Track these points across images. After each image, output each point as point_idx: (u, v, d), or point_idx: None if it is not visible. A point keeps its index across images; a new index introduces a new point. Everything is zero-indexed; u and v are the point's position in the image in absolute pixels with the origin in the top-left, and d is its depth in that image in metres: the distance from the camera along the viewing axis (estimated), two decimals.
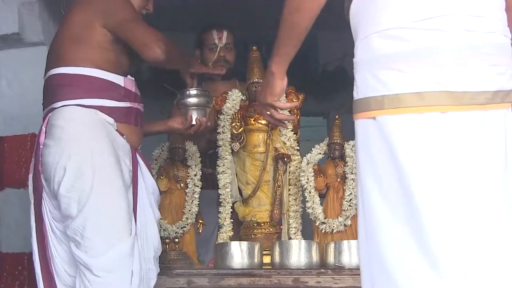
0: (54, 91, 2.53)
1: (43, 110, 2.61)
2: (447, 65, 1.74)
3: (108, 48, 2.54)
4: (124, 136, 2.53)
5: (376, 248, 1.78)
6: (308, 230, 3.16)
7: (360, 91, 1.83)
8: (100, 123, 2.48)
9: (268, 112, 2.23)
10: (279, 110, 2.27)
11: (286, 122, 2.62)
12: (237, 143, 3.13)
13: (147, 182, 2.62)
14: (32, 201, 2.51)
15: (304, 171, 3.09)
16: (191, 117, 2.81)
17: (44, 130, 2.49)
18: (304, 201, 3.12)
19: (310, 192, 3.09)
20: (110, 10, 2.54)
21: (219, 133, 3.14)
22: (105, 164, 2.42)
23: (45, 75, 2.62)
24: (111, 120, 2.51)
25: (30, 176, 2.54)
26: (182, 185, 3.18)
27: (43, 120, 2.54)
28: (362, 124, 1.83)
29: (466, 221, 1.72)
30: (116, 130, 2.52)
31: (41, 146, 2.48)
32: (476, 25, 1.77)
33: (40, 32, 3.45)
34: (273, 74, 2.05)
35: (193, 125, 2.82)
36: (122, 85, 2.57)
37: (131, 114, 2.60)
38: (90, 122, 2.46)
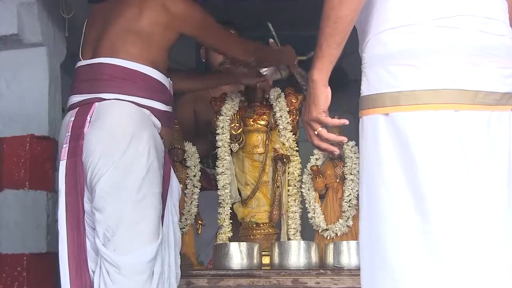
0: (104, 81, 2.44)
1: (74, 94, 2.51)
2: (462, 64, 1.75)
3: (166, 49, 2.53)
4: (163, 140, 2.53)
5: (379, 245, 1.77)
6: (308, 230, 3.15)
7: (372, 86, 1.81)
8: (151, 125, 2.46)
9: (316, 132, 1.91)
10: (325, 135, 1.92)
11: (336, 147, 2.01)
12: (236, 144, 3.13)
13: (173, 185, 2.62)
14: (64, 190, 2.39)
15: (305, 183, 3.09)
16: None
17: (88, 120, 2.40)
18: (303, 202, 3.12)
19: (310, 202, 3.08)
20: (196, 20, 2.55)
21: (218, 134, 3.14)
22: (153, 168, 2.40)
23: (80, 58, 2.55)
24: (158, 123, 2.51)
25: (63, 163, 2.41)
26: (181, 186, 3.18)
27: (80, 105, 2.45)
28: (371, 120, 1.81)
29: (474, 222, 1.72)
30: (159, 133, 2.51)
31: (84, 135, 2.38)
32: (489, 27, 1.79)
33: (39, 33, 3.45)
34: (315, 82, 1.84)
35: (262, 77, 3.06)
36: (169, 88, 2.57)
37: (172, 118, 2.61)
38: (142, 122, 2.43)
